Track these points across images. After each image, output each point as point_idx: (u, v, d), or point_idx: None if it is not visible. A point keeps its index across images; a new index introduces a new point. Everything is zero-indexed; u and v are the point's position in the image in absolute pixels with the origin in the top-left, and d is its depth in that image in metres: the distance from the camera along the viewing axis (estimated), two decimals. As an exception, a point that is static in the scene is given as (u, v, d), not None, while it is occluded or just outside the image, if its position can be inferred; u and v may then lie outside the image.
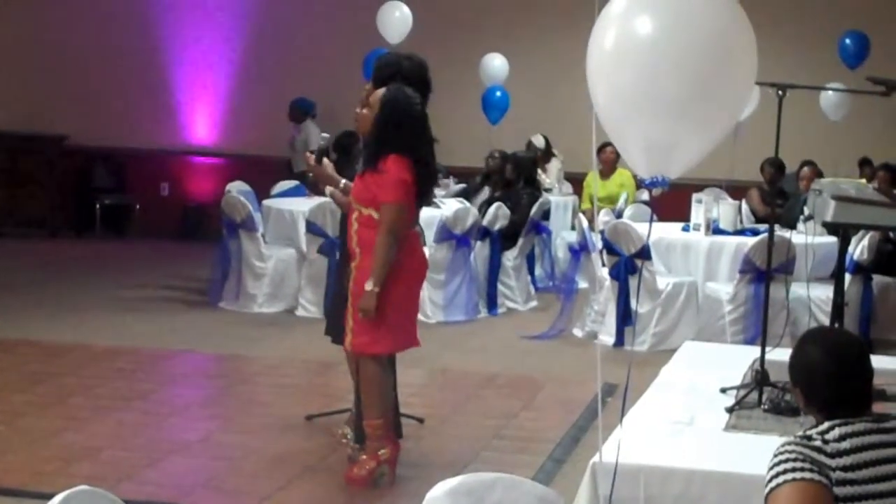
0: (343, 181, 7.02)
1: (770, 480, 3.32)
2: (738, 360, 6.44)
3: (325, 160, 7.20)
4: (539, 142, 15.44)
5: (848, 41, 15.29)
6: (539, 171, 14.71)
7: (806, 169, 12.40)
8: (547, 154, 15.57)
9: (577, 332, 11.28)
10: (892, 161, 12.48)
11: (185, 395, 9.11)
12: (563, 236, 14.41)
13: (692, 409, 5.44)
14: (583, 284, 12.16)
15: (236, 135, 17.51)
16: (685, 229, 11.19)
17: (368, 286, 6.51)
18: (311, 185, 9.95)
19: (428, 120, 6.76)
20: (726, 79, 4.28)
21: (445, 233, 11.61)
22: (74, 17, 17.73)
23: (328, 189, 7.27)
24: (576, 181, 15.34)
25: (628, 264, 10.50)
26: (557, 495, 3.63)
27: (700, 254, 10.85)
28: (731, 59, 4.32)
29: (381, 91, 6.71)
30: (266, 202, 12.64)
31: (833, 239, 9.87)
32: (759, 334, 6.97)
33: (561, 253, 14.25)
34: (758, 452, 4.46)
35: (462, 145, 14.77)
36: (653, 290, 10.51)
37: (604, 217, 12.00)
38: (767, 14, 13.64)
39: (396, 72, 6.98)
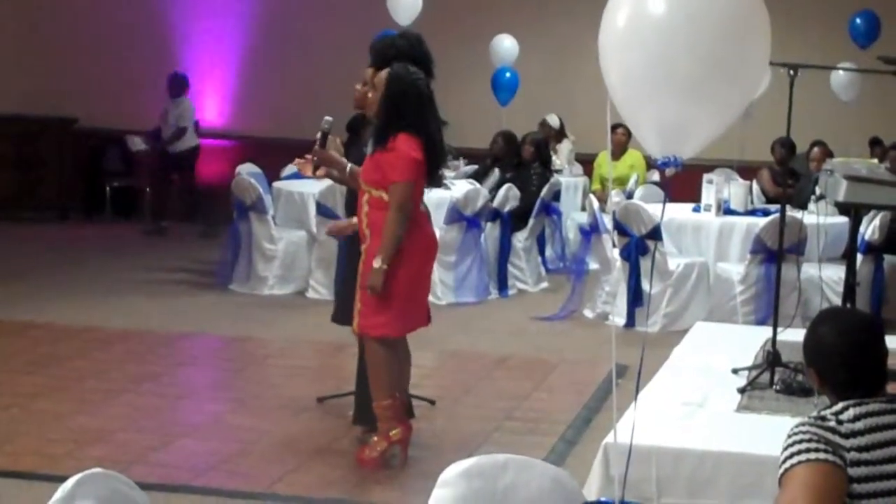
0: (350, 165, 6.99)
1: (784, 461, 3.32)
2: (749, 341, 6.45)
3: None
4: (554, 121, 15.44)
5: (858, 21, 15.24)
6: (560, 149, 14.83)
7: (816, 149, 12.37)
8: (560, 134, 15.56)
9: (588, 314, 11.27)
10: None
11: (196, 377, 9.13)
12: (573, 217, 14.39)
13: (704, 390, 5.45)
14: (593, 265, 12.14)
15: (246, 117, 17.49)
16: (696, 210, 11.16)
17: (376, 263, 6.49)
18: (316, 169, 9.92)
19: (433, 97, 6.74)
20: (740, 58, 4.27)
21: (456, 214, 11.59)
22: (85, 0, 17.72)
23: (321, 171, 7.20)
24: (586, 162, 15.33)
25: (639, 245, 10.49)
26: (570, 476, 3.63)
27: (711, 234, 10.83)
28: (745, 38, 4.30)
29: (386, 71, 6.70)
30: (276, 184, 12.64)
31: (844, 219, 9.86)
32: (770, 315, 6.96)
33: (571, 234, 14.23)
34: (770, 433, 4.47)
35: (472, 127, 14.75)
36: (664, 271, 10.50)
37: (615, 198, 11.98)
38: (778, -6, 13.60)
39: (396, 53, 6.94)
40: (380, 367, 6.73)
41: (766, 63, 4.42)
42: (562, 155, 15.41)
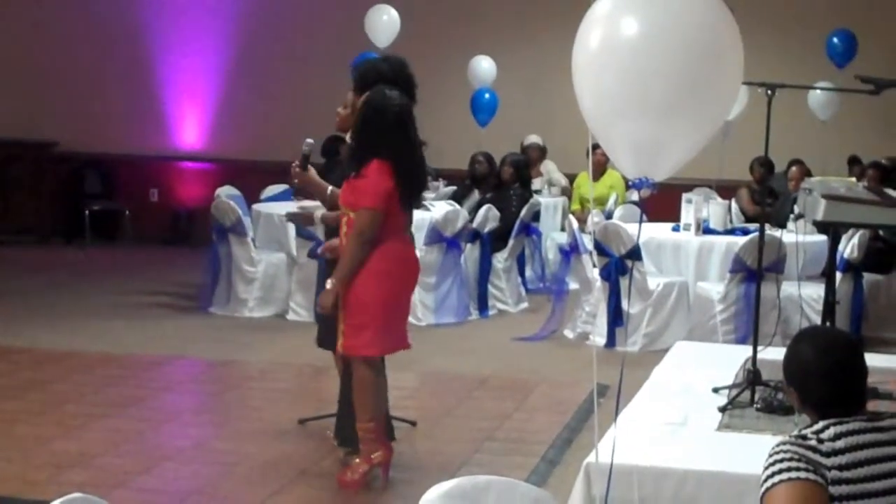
0: (330, 188, 7.01)
1: (765, 480, 3.32)
2: (729, 360, 6.45)
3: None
4: (538, 140, 15.43)
5: (836, 40, 15.30)
6: (548, 170, 14.88)
7: (794, 168, 12.39)
8: (543, 153, 15.56)
9: (569, 334, 11.28)
10: (881, 159, 12.48)
11: (177, 401, 9.10)
12: (553, 238, 14.41)
13: (685, 410, 5.44)
14: (573, 286, 12.16)
15: (225, 139, 17.49)
16: (675, 229, 11.19)
17: (328, 284, 6.57)
18: (297, 191, 9.92)
19: (412, 121, 6.72)
20: (712, 79, 4.28)
21: (435, 235, 11.60)
22: (63, 23, 17.68)
23: (317, 214, 7.25)
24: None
25: (619, 265, 10.50)
26: (551, 497, 3.63)
27: (690, 254, 10.85)
28: (717, 59, 4.32)
29: (366, 94, 6.72)
30: (255, 206, 12.63)
31: (823, 237, 9.90)
32: (750, 333, 6.98)
33: (551, 254, 14.25)
34: (751, 452, 4.46)
35: (451, 148, 14.79)
36: (643, 291, 10.51)
37: (594, 218, 11.99)
38: (755, 13, 13.67)
39: (378, 76, 6.94)
40: (366, 388, 6.74)
41: (738, 83, 4.44)
42: (554, 173, 15.35)
